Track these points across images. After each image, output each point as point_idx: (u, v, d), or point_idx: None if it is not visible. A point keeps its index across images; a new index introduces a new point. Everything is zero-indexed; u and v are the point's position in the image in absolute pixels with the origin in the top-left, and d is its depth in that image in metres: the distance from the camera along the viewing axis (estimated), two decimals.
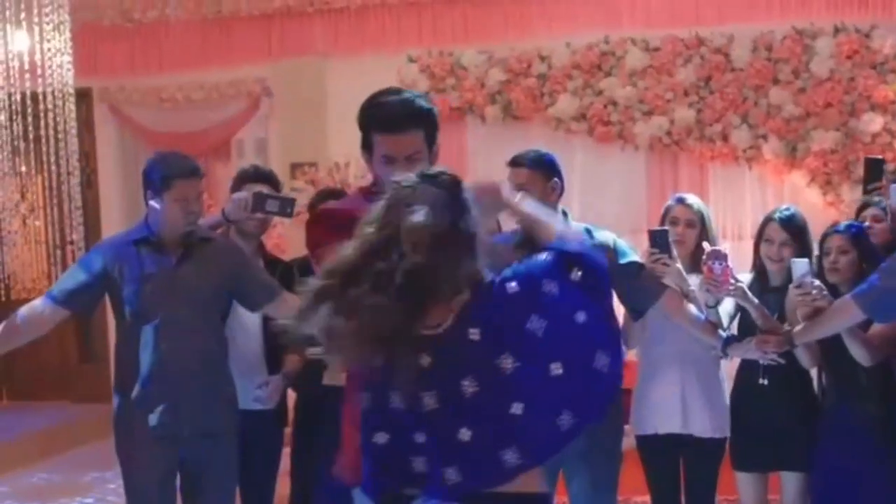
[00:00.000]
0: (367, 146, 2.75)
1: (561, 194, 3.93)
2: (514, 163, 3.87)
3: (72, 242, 6.12)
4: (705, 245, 3.89)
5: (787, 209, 4.10)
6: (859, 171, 6.59)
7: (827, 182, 6.74)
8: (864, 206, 4.43)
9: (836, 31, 6.78)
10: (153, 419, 3.68)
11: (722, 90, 6.92)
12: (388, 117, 2.70)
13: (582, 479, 3.85)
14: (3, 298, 6.91)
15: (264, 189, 4.21)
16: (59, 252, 6.86)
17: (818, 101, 6.76)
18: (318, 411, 4.11)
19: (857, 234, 3.85)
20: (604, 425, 3.75)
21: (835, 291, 3.68)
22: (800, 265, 3.62)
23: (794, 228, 3.97)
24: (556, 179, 3.86)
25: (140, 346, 3.67)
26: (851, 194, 6.48)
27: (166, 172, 3.70)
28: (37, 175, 7.15)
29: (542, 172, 3.84)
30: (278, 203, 4.08)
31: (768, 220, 4.05)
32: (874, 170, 4.52)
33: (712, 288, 3.73)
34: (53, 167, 5.83)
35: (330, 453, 3.79)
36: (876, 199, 4.42)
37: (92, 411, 8.38)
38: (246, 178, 4.37)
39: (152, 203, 3.73)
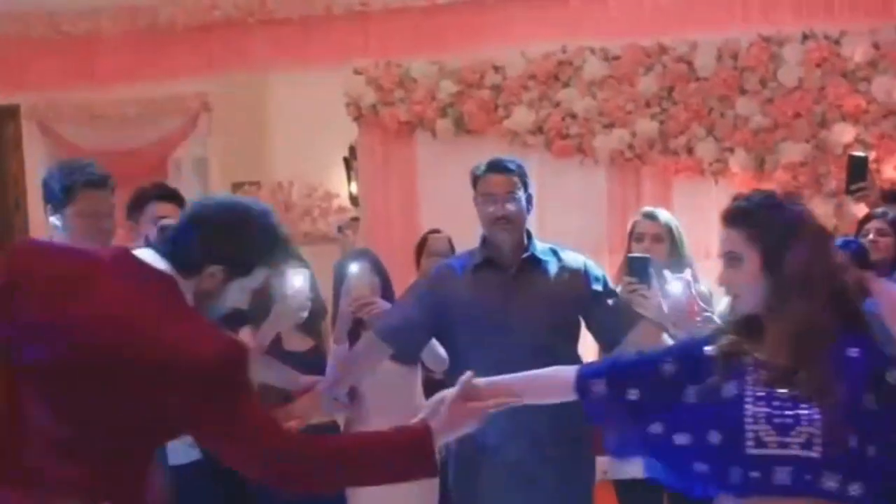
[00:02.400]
0: None
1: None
2: (501, 168, 3.54)
3: None
4: (666, 273, 3.50)
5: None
6: (831, 184, 6.42)
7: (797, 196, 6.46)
8: (867, 218, 4.16)
9: (805, 38, 6.54)
10: None
11: (686, 101, 6.67)
12: None
13: None
14: None
15: (162, 206, 3.81)
16: None
17: (787, 111, 6.51)
18: None
19: (855, 252, 3.54)
20: (578, 461, 3.56)
21: None
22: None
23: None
24: (529, 192, 3.60)
25: None
26: (824, 208, 6.25)
27: (69, 181, 3.28)
28: None
29: (523, 181, 3.56)
30: None
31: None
32: (857, 168, 4.20)
33: (678, 323, 3.27)
34: None
35: None
36: (880, 210, 4.15)
37: None
38: (146, 196, 3.91)
39: (52, 220, 3.31)
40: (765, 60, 6.56)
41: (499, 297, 3.47)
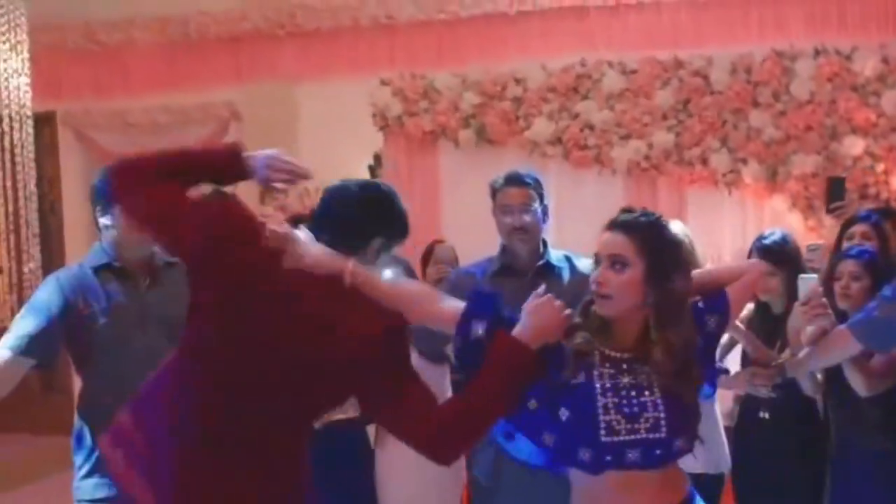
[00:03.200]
0: None
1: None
2: (519, 181, 3.74)
3: (30, 271, 5.89)
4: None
5: (770, 235, 4.00)
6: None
7: (808, 206, 6.63)
8: (849, 223, 4.30)
9: (817, 53, 6.70)
10: None
11: (701, 113, 6.83)
12: None
13: None
14: None
15: None
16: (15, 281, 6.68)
17: (798, 124, 6.67)
18: None
19: (870, 260, 3.72)
20: None
21: (844, 319, 3.53)
22: (807, 281, 3.46)
23: (775, 256, 3.85)
24: (545, 203, 3.81)
25: (115, 387, 3.28)
26: (833, 219, 6.40)
27: None
28: None
29: (539, 193, 3.77)
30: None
31: (752, 246, 3.95)
32: (836, 189, 4.40)
33: None
34: (10, 192, 5.61)
35: None
36: (863, 213, 4.30)
37: (53, 444, 8.40)
38: None
39: (103, 220, 3.46)
40: (777, 75, 6.72)
41: (515, 301, 3.67)
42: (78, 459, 3.44)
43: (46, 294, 3.38)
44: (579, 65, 7.07)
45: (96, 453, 3.30)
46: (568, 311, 2.56)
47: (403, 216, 2.73)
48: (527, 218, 3.69)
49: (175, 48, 8.05)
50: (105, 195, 3.38)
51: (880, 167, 6.48)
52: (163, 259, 3.51)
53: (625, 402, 2.47)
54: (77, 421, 3.44)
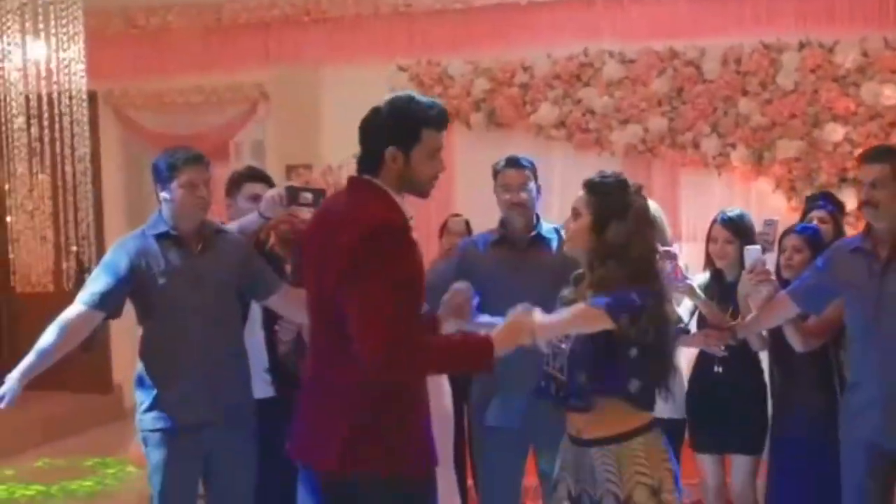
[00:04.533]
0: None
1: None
2: (517, 164, 4.20)
3: (84, 238, 6.41)
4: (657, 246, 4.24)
5: (731, 211, 4.48)
6: (822, 177, 7.01)
7: (791, 188, 7.08)
8: (810, 206, 4.78)
9: (801, 45, 7.15)
10: (186, 409, 3.77)
11: (693, 101, 7.29)
12: None
13: (552, 454, 4.19)
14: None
15: (254, 186, 4.36)
16: (65, 250, 7.10)
17: (783, 111, 7.12)
18: None
19: (811, 236, 4.23)
20: None
21: (788, 286, 3.98)
22: (752, 252, 3.90)
23: (735, 228, 4.34)
24: (539, 184, 4.28)
25: (174, 338, 3.78)
26: None
27: (172, 161, 3.80)
28: (41, 174, 7.40)
29: (534, 175, 4.24)
30: (312, 194, 4.02)
31: (713, 221, 4.44)
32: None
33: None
34: (68, 168, 6.14)
35: None
36: (820, 202, 4.79)
37: (91, 400, 8.86)
38: (241, 178, 4.47)
39: (163, 194, 3.82)
40: (765, 66, 7.20)
41: (510, 267, 4.16)
42: (139, 396, 3.87)
43: (115, 257, 3.81)
44: (582, 54, 7.53)
45: (155, 391, 3.79)
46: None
47: (412, 124, 2.93)
48: (523, 195, 4.16)
49: (208, 33, 8.38)
50: (163, 174, 3.83)
51: (859, 153, 6.90)
52: (212, 227, 3.95)
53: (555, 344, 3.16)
54: (139, 364, 3.88)
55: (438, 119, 3.01)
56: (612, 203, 3.09)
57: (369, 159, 2.98)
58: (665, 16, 7.46)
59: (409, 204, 3.04)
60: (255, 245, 4.26)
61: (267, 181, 4.48)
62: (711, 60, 7.30)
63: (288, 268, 4.45)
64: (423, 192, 3.05)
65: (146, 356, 3.86)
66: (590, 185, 3.16)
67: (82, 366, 8.67)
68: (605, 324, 2.98)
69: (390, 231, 2.85)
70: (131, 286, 3.79)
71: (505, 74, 7.67)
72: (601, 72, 7.50)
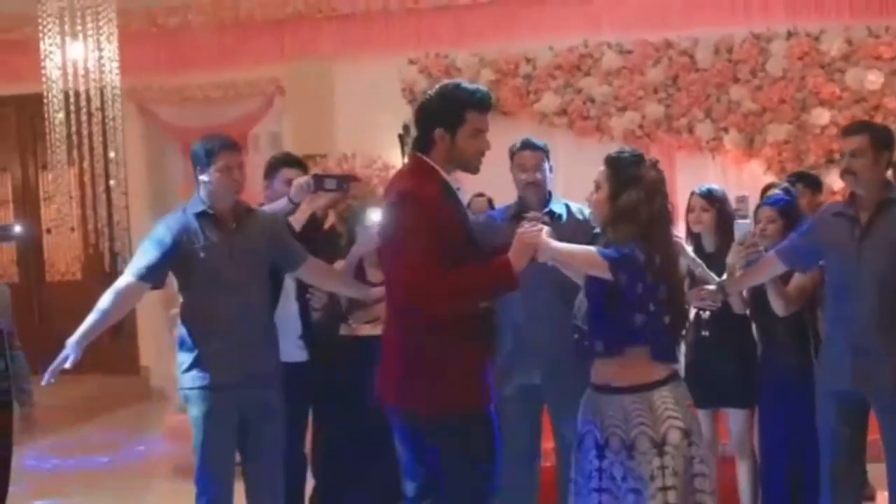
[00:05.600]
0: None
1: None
2: (533, 147, 4.51)
3: (118, 224, 6.73)
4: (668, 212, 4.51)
5: (706, 185, 4.87)
6: (810, 159, 7.41)
7: (781, 169, 7.41)
8: (769, 186, 5.19)
9: (789, 35, 7.55)
10: (222, 369, 4.05)
11: (688, 88, 7.69)
12: None
13: (565, 412, 4.30)
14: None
15: (290, 171, 4.67)
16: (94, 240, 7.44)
17: (773, 97, 7.52)
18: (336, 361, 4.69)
19: (783, 206, 4.62)
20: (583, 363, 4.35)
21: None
22: (742, 226, 4.23)
23: (709, 197, 4.72)
24: (551, 164, 4.62)
25: (213, 306, 4.06)
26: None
27: (210, 147, 4.08)
28: (69, 167, 7.67)
29: (547, 156, 4.57)
30: (335, 181, 4.41)
31: (691, 194, 4.82)
32: None
33: None
34: (100, 161, 6.51)
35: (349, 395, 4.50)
36: (783, 183, 5.19)
37: (120, 383, 9.27)
38: (278, 164, 4.76)
39: (202, 177, 4.09)
40: (755, 54, 7.61)
41: None
42: (181, 357, 4.19)
43: (160, 233, 4.09)
44: (582, 46, 7.92)
45: (195, 352, 4.13)
46: (542, 233, 3.40)
47: (457, 107, 3.33)
48: (538, 175, 4.47)
49: (225, 30, 8.68)
50: (202, 159, 4.13)
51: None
52: (244, 207, 4.26)
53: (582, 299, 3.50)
54: (180, 328, 4.22)
55: (481, 102, 3.38)
56: (627, 175, 3.39)
57: (422, 140, 3.41)
58: (660, 9, 7.83)
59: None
60: (313, 224, 4.62)
61: (302, 166, 4.81)
62: (704, 50, 7.68)
63: (342, 243, 4.81)
64: (470, 167, 3.44)
65: (187, 321, 4.19)
66: (608, 161, 3.48)
67: (112, 350, 9.13)
68: (603, 272, 3.32)
69: (414, 197, 3.30)
70: (174, 259, 4.09)
71: (509, 66, 8.04)
72: (600, 62, 7.88)
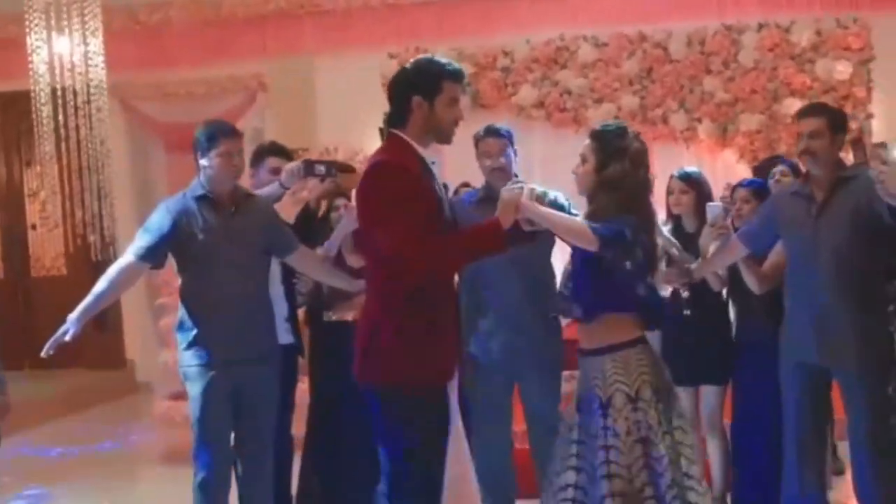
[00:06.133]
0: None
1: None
2: (496, 133, 4.60)
3: (103, 218, 6.80)
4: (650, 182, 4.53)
5: (683, 169, 5.02)
6: (782, 147, 7.54)
7: (754, 158, 7.59)
8: (772, 163, 5.32)
9: (760, 27, 7.73)
10: (220, 346, 4.19)
11: (662, 80, 7.86)
12: None
13: (533, 388, 4.60)
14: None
15: (276, 160, 4.83)
16: (77, 235, 7.50)
17: (745, 88, 7.70)
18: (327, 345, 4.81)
19: (757, 188, 4.78)
20: (551, 343, 4.60)
21: None
22: (713, 208, 4.37)
23: (687, 180, 4.86)
24: (515, 148, 4.71)
25: (211, 286, 4.19)
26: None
27: (211, 133, 4.21)
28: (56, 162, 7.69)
29: (511, 142, 4.66)
30: (325, 167, 4.45)
31: (671, 177, 4.98)
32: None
33: None
34: (85, 155, 6.60)
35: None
36: (781, 160, 5.32)
37: (106, 376, 9.32)
38: (265, 152, 4.94)
39: (202, 162, 4.22)
40: (727, 46, 7.78)
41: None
42: (180, 337, 4.34)
43: (159, 216, 4.24)
44: (559, 39, 8.08)
45: (194, 331, 4.27)
46: (525, 191, 3.50)
47: (434, 76, 3.45)
48: (503, 160, 4.58)
49: (208, 26, 8.76)
50: (203, 144, 4.25)
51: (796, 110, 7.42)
52: (243, 192, 4.41)
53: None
54: (180, 309, 4.36)
55: (456, 72, 3.52)
56: (612, 147, 3.54)
57: (398, 112, 3.52)
58: (634, 2, 8.01)
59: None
60: (307, 213, 4.77)
61: (287, 156, 4.96)
62: (678, 42, 7.85)
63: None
64: (445, 136, 3.57)
65: (186, 301, 4.34)
66: (594, 134, 3.64)
67: (98, 344, 9.19)
68: (591, 245, 3.45)
69: (388, 167, 3.42)
70: (174, 241, 4.23)
71: (487, 59, 8.19)
72: (576, 55, 8.04)
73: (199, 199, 4.28)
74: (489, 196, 4.57)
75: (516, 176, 4.69)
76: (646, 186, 3.61)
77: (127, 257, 4.28)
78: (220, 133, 4.25)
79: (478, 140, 4.66)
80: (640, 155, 3.58)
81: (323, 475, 4.87)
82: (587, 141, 3.62)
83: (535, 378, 4.60)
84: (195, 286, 4.30)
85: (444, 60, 3.57)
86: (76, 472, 6.71)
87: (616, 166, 3.51)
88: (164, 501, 5.86)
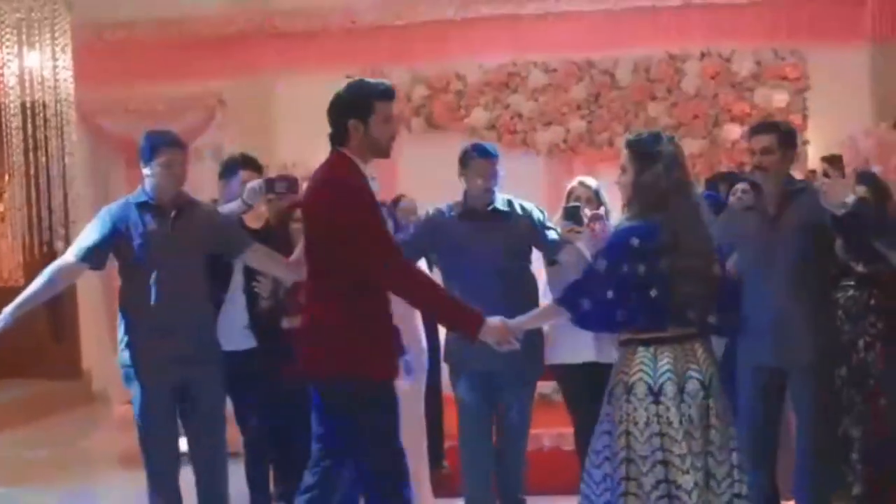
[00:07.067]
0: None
1: None
2: (489, 155, 4.68)
3: (61, 229, 6.88)
4: (586, 211, 4.61)
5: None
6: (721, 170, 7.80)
7: (696, 181, 7.83)
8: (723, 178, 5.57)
9: (703, 55, 8.04)
10: (150, 350, 4.30)
11: (608, 105, 8.12)
12: None
13: (512, 399, 4.68)
14: None
15: (247, 173, 4.92)
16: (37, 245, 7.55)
17: (688, 113, 8.00)
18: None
19: (713, 203, 4.71)
20: (531, 363, 4.66)
21: None
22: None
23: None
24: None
25: (146, 289, 4.29)
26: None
27: (153, 143, 4.34)
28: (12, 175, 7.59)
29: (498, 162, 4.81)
30: (286, 183, 4.53)
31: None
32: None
33: (596, 241, 4.39)
34: (52, 167, 6.72)
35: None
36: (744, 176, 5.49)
37: (62, 386, 9.23)
38: (236, 164, 5.04)
39: (145, 170, 4.34)
40: (671, 74, 8.08)
41: (473, 233, 4.66)
42: (120, 335, 4.43)
43: (101, 220, 4.37)
44: (511, 64, 8.32)
45: (129, 334, 4.38)
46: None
47: (366, 98, 3.69)
48: (494, 181, 4.71)
49: (171, 46, 8.84)
50: (145, 153, 4.38)
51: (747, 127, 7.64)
52: (186, 198, 4.45)
53: None
54: (119, 311, 4.49)
55: (386, 92, 3.76)
56: (645, 154, 3.65)
57: (337, 134, 3.76)
58: (583, 30, 8.25)
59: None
60: (267, 229, 4.95)
61: (258, 168, 5.09)
62: (624, 69, 8.13)
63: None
64: (384, 152, 3.79)
65: (124, 302, 4.48)
66: (628, 144, 3.79)
67: (54, 353, 9.24)
68: (565, 316, 3.72)
69: (347, 186, 3.67)
70: (112, 244, 4.35)
71: (441, 82, 8.41)
72: (527, 80, 8.29)
73: (141, 205, 4.39)
74: (471, 209, 4.74)
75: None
76: (679, 187, 3.67)
77: (66, 257, 4.42)
78: (162, 143, 4.37)
79: (469, 159, 4.73)
80: (673, 157, 3.68)
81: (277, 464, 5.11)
82: (624, 151, 3.77)
83: (516, 391, 4.69)
84: (133, 287, 4.41)
85: (374, 81, 3.79)
86: (34, 474, 6.80)
87: (650, 171, 3.63)
88: (123, 502, 6.01)
